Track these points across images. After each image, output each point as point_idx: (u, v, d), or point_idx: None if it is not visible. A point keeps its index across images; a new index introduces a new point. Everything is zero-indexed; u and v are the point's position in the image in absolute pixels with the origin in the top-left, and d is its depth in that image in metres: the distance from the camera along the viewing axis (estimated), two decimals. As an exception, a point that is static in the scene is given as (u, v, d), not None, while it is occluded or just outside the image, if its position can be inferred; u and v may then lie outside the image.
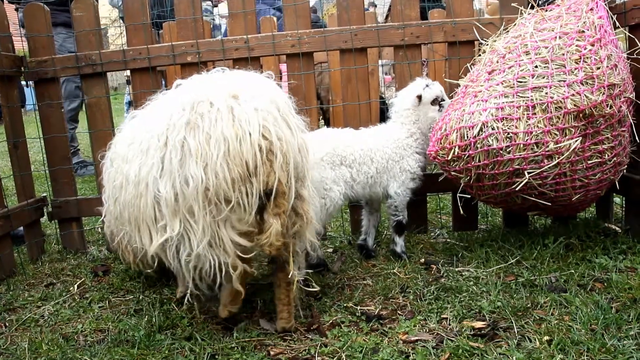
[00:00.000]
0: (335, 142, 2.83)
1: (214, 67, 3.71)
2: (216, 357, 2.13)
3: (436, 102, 2.96)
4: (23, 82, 3.61)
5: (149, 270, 2.63)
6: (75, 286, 2.93)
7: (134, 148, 2.13)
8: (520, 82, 2.56)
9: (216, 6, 8.79)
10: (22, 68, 3.30)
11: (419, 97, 2.92)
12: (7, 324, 2.57)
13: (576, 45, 2.55)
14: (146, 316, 2.51)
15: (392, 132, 2.99)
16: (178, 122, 1.98)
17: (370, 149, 2.89)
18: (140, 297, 2.77)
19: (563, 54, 2.54)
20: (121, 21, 7.44)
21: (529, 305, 2.32)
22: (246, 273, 2.18)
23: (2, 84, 3.15)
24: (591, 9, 2.69)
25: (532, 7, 2.94)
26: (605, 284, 2.48)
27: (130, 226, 2.22)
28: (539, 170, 2.52)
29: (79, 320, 2.57)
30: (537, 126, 2.48)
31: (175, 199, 1.98)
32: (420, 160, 3.01)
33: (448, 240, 3.30)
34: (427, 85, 2.97)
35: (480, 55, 2.98)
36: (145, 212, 2.06)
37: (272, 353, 2.12)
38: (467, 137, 2.57)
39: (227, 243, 2.03)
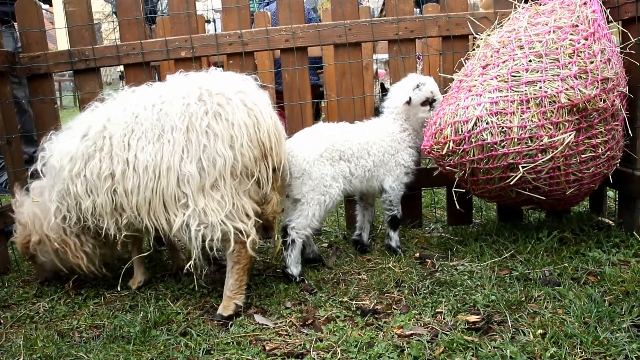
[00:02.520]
0: (333, 137, 2.83)
1: (208, 62, 3.71)
2: (212, 352, 2.14)
3: (427, 103, 2.95)
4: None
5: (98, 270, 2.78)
6: (70, 282, 2.92)
7: (138, 136, 2.35)
8: (514, 76, 2.56)
9: None
10: (15, 64, 3.27)
11: (408, 101, 2.92)
12: (1, 321, 2.57)
13: (570, 40, 2.55)
14: (141, 312, 2.51)
15: (386, 126, 2.99)
16: (200, 110, 2.32)
17: (367, 142, 2.89)
18: (135, 293, 2.77)
19: (557, 48, 2.54)
20: (114, 16, 7.40)
21: (523, 299, 2.34)
22: (254, 242, 2.45)
23: (-6, 79, 3.13)
24: (585, 3, 2.69)
25: (526, 2, 2.93)
26: (599, 278, 2.50)
27: (135, 212, 2.40)
28: (533, 165, 2.53)
29: (74, 316, 2.57)
30: (531, 120, 2.48)
31: (201, 177, 2.30)
32: (413, 155, 3.01)
33: (443, 234, 3.31)
34: (417, 86, 2.93)
35: (474, 49, 2.99)
36: (167, 192, 2.32)
37: (267, 348, 2.13)
38: (462, 131, 2.57)
39: (249, 210, 2.42)
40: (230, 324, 2.36)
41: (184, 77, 2.52)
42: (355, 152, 2.85)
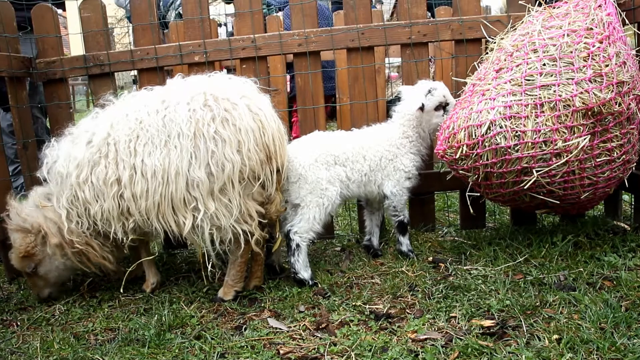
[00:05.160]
0: (327, 142, 2.87)
1: (220, 67, 3.74)
2: (226, 356, 2.15)
3: (440, 107, 2.95)
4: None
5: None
6: (85, 285, 2.95)
7: (144, 142, 2.39)
8: (528, 80, 2.55)
9: None
10: (31, 69, 3.31)
11: (421, 108, 2.91)
12: (18, 323, 2.60)
13: (584, 43, 2.54)
14: (156, 315, 2.53)
15: (385, 132, 3.00)
16: (206, 116, 2.37)
17: (362, 146, 2.90)
18: (149, 296, 2.79)
19: (571, 52, 2.53)
20: (127, 20, 7.46)
21: (537, 304, 2.32)
22: (257, 241, 2.60)
23: (12, 84, 3.17)
24: (599, 6, 2.67)
25: (540, 5, 2.92)
26: (615, 282, 2.47)
27: (144, 215, 2.45)
28: (547, 169, 2.52)
29: (89, 319, 2.60)
30: (546, 124, 2.47)
31: (210, 181, 2.37)
32: (415, 160, 3.01)
33: (456, 238, 3.30)
34: (429, 92, 2.92)
35: (487, 53, 2.98)
36: (176, 197, 2.38)
37: (281, 352, 2.13)
38: (475, 135, 2.56)
39: (253, 212, 2.52)
40: (244, 327, 2.37)
41: (186, 81, 2.57)
42: (350, 157, 2.86)
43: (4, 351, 2.32)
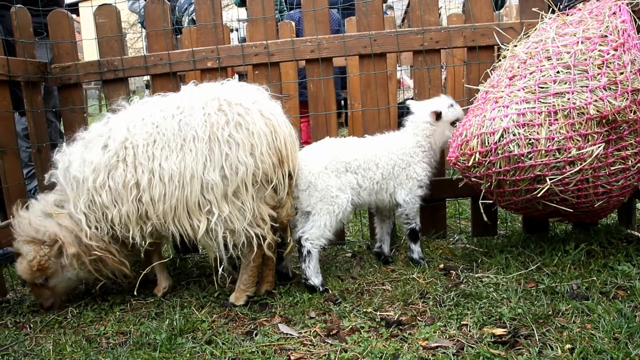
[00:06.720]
0: (337, 149, 2.86)
1: (232, 72, 3.76)
2: (237, 361, 2.15)
3: (455, 123, 2.94)
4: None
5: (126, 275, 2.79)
6: (97, 288, 2.97)
7: (161, 146, 2.43)
8: (542, 87, 2.54)
9: None
10: (46, 74, 3.35)
11: (439, 115, 2.91)
12: (31, 325, 2.62)
13: (599, 50, 2.52)
14: (167, 319, 2.54)
15: (399, 140, 3.00)
16: (220, 120, 2.43)
17: (375, 154, 2.89)
18: (161, 300, 2.81)
19: (585, 59, 2.51)
20: (140, 25, 7.53)
21: (550, 313, 2.30)
22: (270, 245, 2.62)
23: (27, 89, 3.21)
24: (614, 13, 2.66)
25: (553, 12, 2.91)
26: (629, 292, 2.45)
27: (161, 219, 2.48)
28: (560, 177, 2.50)
29: (101, 322, 2.61)
30: (559, 132, 2.46)
31: (224, 184, 2.42)
32: (427, 169, 3.00)
33: (467, 245, 3.28)
34: (451, 105, 2.95)
35: (500, 60, 2.97)
36: (191, 200, 2.42)
37: (292, 358, 2.13)
38: (488, 143, 2.55)
39: (265, 216, 2.56)
40: (255, 333, 2.37)
41: (199, 87, 2.62)
42: (362, 164, 2.85)
43: (18, 353, 2.34)
